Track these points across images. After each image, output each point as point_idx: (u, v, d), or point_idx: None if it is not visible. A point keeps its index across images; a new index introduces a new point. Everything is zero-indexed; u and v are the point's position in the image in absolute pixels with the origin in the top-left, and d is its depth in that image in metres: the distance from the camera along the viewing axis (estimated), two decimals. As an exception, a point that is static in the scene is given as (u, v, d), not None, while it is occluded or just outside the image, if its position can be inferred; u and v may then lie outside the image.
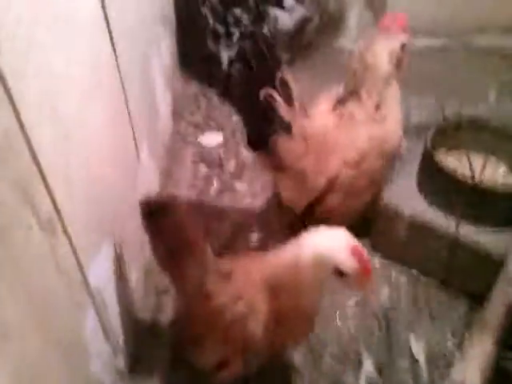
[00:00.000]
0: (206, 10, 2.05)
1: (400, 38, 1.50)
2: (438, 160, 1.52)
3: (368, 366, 1.37)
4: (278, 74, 1.39)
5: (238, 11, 2.02)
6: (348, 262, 0.94)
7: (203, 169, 1.96)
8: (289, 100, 1.42)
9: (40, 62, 0.81)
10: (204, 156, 2.01)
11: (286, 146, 1.45)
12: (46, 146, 0.81)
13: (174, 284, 1.20)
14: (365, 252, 0.95)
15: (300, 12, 2.08)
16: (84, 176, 0.99)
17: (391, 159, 1.60)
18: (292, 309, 1.04)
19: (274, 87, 1.38)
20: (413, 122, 2.15)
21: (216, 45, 2.14)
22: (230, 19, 2.04)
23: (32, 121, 0.76)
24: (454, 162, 1.66)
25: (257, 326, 1.04)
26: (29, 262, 0.75)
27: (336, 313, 1.50)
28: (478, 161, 1.66)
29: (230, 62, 2.14)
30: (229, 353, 1.10)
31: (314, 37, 2.36)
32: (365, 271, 0.94)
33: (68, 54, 0.93)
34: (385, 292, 1.57)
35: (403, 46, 1.50)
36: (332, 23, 2.48)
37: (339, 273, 0.95)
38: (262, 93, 1.37)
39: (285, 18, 2.09)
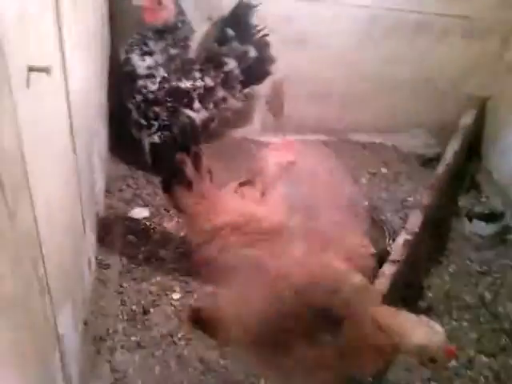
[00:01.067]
0: (131, 106, 2.54)
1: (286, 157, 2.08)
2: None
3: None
4: (193, 148, 1.97)
5: (157, 109, 2.54)
6: None
7: (133, 238, 2.33)
8: (198, 166, 1.96)
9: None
10: (132, 227, 2.39)
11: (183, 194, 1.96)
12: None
13: None
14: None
15: (204, 113, 2.63)
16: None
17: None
18: None
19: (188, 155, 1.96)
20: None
21: (139, 133, 2.61)
22: (151, 114, 2.54)
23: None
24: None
25: None
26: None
27: None
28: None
29: (151, 147, 2.64)
30: None
31: (219, 130, 2.92)
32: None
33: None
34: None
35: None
36: (237, 120, 3.05)
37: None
38: (178, 156, 1.94)
39: (196, 117, 2.63)
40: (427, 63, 3.01)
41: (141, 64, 2.47)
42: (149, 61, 2.48)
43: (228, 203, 1.98)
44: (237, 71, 2.66)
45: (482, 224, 2.70)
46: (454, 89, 3.06)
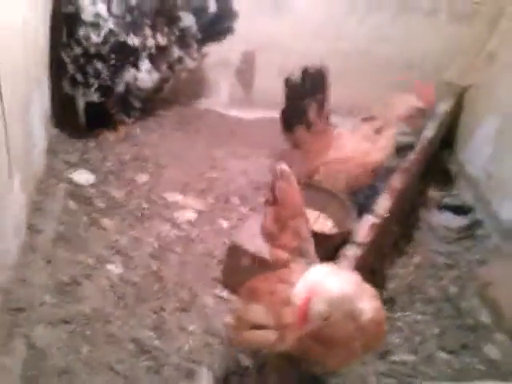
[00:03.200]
0: (66, 58, 2.19)
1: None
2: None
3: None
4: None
5: (98, 65, 2.20)
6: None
7: (73, 205, 2.10)
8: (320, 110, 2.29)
9: None
10: (75, 193, 2.16)
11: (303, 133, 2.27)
12: None
13: None
14: None
15: (156, 75, 2.37)
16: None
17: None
18: None
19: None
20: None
21: (73, 90, 2.29)
22: (90, 70, 2.21)
23: None
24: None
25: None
26: None
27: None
28: (312, 215, 2.08)
29: (87, 107, 2.36)
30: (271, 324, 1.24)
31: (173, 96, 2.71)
32: None
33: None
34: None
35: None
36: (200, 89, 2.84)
37: None
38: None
39: (144, 78, 2.35)
40: (411, 44, 2.87)
41: (89, 8, 2.11)
42: (100, 7, 2.12)
43: (340, 141, 2.24)
44: (194, 28, 2.40)
45: (452, 216, 2.58)
46: (435, 74, 2.91)
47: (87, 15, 2.11)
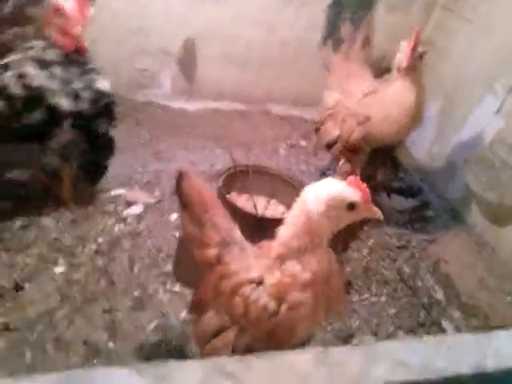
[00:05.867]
0: None
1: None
2: (228, 198, 1.81)
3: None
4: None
5: None
6: (355, 193, 1.11)
7: (7, 204, 1.94)
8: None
9: None
10: (9, 191, 1.99)
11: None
12: None
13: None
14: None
15: None
16: None
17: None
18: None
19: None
20: (217, 168, 2.44)
21: None
22: None
23: None
24: (243, 201, 1.98)
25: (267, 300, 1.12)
26: None
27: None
28: (262, 201, 2.02)
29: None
30: (227, 322, 1.19)
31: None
32: (367, 196, 1.14)
33: None
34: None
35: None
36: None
37: (350, 207, 1.12)
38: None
39: None
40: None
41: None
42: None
43: None
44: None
45: (401, 199, 2.62)
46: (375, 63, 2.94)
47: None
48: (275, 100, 3.04)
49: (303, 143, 2.90)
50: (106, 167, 1.95)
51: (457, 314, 2.02)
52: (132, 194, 2.16)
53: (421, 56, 2.02)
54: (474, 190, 2.48)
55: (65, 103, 1.69)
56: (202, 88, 2.87)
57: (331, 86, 2.32)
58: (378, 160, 2.72)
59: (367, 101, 2.17)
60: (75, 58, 1.71)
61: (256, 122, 2.94)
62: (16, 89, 1.64)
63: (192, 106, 2.84)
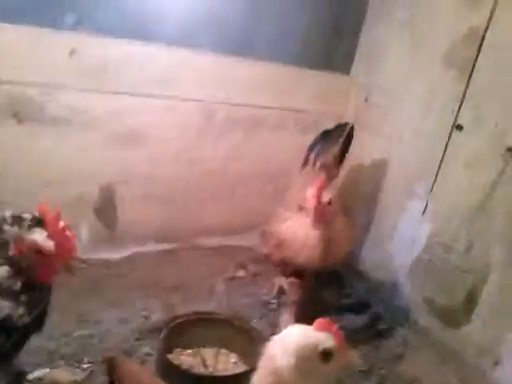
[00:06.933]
0: None
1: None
2: (170, 360, 1.55)
3: None
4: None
5: None
6: (328, 339, 0.99)
7: None
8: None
9: None
10: None
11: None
12: None
13: None
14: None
15: None
16: None
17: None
18: None
19: None
20: (153, 321, 2.18)
21: None
22: None
23: None
24: (189, 358, 1.72)
25: None
26: None
27: None
28: (211, 353, 1.77)
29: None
30: None
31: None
32: (341, 339, 1.02)
33: None
34: None
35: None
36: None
37: (325, 356, 0.98)
38: None
39: None
40: (265, 157, 2.93)
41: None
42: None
43: None
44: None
45: (352, 317, 2.48)
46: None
47: None
48: (204, 233, 2.92)
49: (240, 273, 2.74)
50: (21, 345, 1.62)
51: None
52: (56, 374, 1.81)
53: (329, 202, 2.06)
54: (421, 295, 2.42)
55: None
56: (125, 233, 2.68)
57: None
58: (322, 280, 2.64)
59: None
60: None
61: (187, 260, 2.76)
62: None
63: (115, 254, 2.62)
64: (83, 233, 2.59)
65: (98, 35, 2.27)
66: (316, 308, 2.41)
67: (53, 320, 2.06)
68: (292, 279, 2.29)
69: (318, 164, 2.42)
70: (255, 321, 2.26)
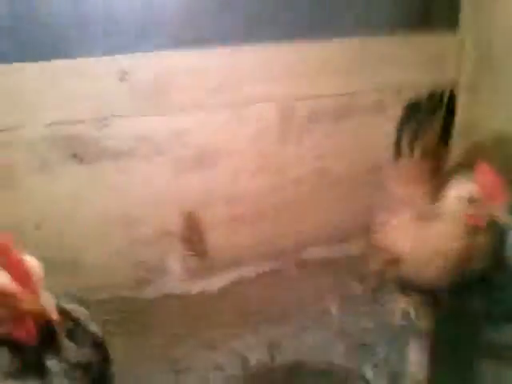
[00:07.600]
0: None
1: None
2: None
3: None
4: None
5: None
6: None
7: None
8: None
9: None
10: None
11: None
12: None
13: None
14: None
15: None
16: None
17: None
18: None
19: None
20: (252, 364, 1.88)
21: None
22: None
23: None
24: None
25: None
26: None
27: None
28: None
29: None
30: None
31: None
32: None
33: None
34: None
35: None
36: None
37: None
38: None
39: None
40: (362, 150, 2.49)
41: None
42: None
43: None
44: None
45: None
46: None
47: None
48: (305, 246, 2.57)
49: (359, 289, 2.34)
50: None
51: None
52: None
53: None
54: None
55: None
56: (217, 261, 2.43)
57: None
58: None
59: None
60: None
61: (290, 280, 2.44)
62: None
63: (211, 284, 2.38)
64: (174, 267, 2.40)
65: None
66: (460, 329, 1.92)
67: (143, 370, 1.88)
68: (418, 298, 1.82)
69: (418, 150, 1.92)
70: (381, 350, 1.85)
